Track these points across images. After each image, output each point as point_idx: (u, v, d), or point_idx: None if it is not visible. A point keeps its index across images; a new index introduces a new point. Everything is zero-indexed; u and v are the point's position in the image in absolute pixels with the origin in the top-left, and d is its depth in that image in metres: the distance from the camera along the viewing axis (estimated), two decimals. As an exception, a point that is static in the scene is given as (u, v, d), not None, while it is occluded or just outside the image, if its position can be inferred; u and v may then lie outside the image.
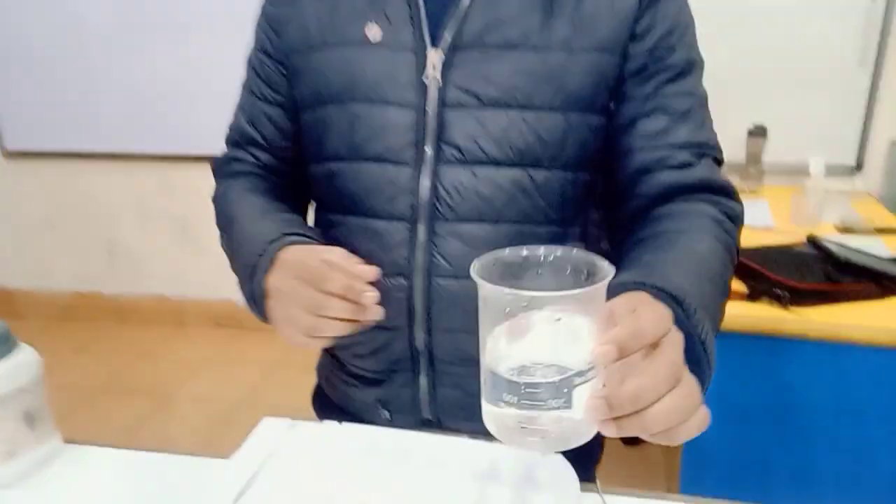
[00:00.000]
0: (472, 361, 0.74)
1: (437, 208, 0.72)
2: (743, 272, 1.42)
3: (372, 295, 0.60)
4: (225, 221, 0.81)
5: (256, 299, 0.69)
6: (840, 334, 1.24)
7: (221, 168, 0.88)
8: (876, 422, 1.27)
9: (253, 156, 0.86)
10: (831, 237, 1.56)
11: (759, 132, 2.08)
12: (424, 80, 0.71)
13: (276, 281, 0.66)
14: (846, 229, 1.75)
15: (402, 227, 0.73)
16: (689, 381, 0.47)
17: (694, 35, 0.76)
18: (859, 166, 2.15)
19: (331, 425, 0.73)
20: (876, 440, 1.29)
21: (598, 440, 0.90)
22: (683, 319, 0.55)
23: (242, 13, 2.31)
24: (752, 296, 1.33)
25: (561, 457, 0.71)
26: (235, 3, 2.39)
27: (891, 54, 2.05)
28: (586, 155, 0.74)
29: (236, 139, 0.87)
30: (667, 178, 0.72)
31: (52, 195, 2.88)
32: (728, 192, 0.74)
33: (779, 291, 1.30)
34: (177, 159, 2.69)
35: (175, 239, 2.85)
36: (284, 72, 0.81)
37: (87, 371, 2.59)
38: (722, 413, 1.33)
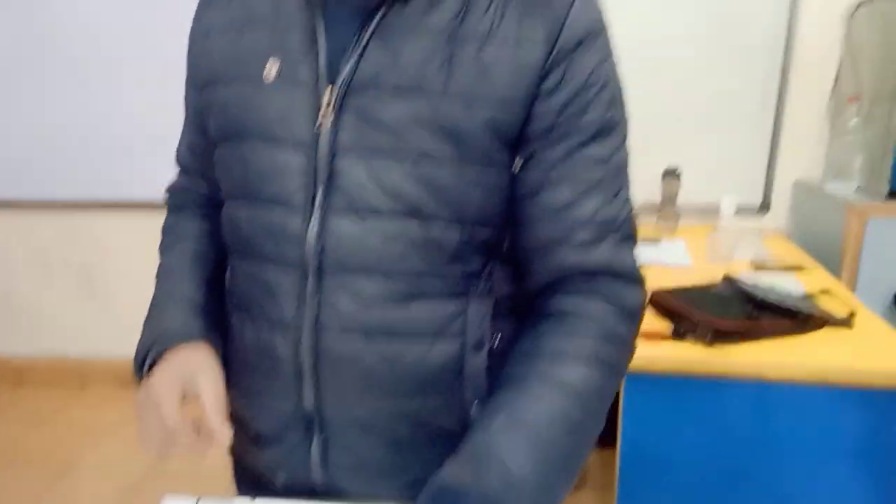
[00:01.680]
0: (365, 425, 0.70)
1: (324, 259, 0.67)
2: (666, 312, 1.43)
3: (222, 438, 0.64)
4: (158, 270, 0.84)
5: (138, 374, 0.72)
6: (762, 373, 1.26)
7: (170, 197, 0.90)
8: (797, 457, 1.29)
9: (194, 184, 0.86)
10: (746, 275, 1.60)
11: (672, 174, 2.15)
12: (319, 118, 0.66)
13: (150, 385, 0.69)
14: (759, 267, 1.81)
15: (292, 277, 0.68)
16: None
17: (616, 93, 0.70)
18: (767, 205, 2.25)
19: (241, 501, 0.66)
20: (798, 476, 1.30)
21: None
22: None
23: (141, 55, 2.28)
24: (677, 335, 1.34)
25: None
26: (133, 44, 2.31)
27: (790, 100, 2.17)
28: (486, 211, 0.69)
29: (180, 165, 0.89)
30: (566, 257, 0.68)
31: (-62, 247, 2.65)
32: (630, 277, 0.70)
33: (702, 331, 1.31)
34: (80, 206, 2.53)
35: (77, 291, 2.66)
36: (201, 104, 0.78)
37: (-24, 440, 2.35)
38: (654, 455, 1.33)
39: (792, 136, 2.20)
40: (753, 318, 1.34)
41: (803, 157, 2.22)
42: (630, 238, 0.71)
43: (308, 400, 0.71)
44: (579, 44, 0.66)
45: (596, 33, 0.68)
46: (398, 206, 0.66)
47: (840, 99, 2.11)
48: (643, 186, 2.19)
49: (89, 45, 2.36)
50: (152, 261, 0.89)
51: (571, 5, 0.66)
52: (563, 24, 0.65)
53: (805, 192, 2.19)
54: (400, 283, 0.67)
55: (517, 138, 0.67)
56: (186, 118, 0.84)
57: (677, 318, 1.37)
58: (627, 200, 0.71)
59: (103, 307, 2.66)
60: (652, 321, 1.43)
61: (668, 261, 1.89)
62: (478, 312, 0.71)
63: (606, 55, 0.69)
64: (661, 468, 1.33)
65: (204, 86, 0.75)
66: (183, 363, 0.70)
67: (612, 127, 0.69)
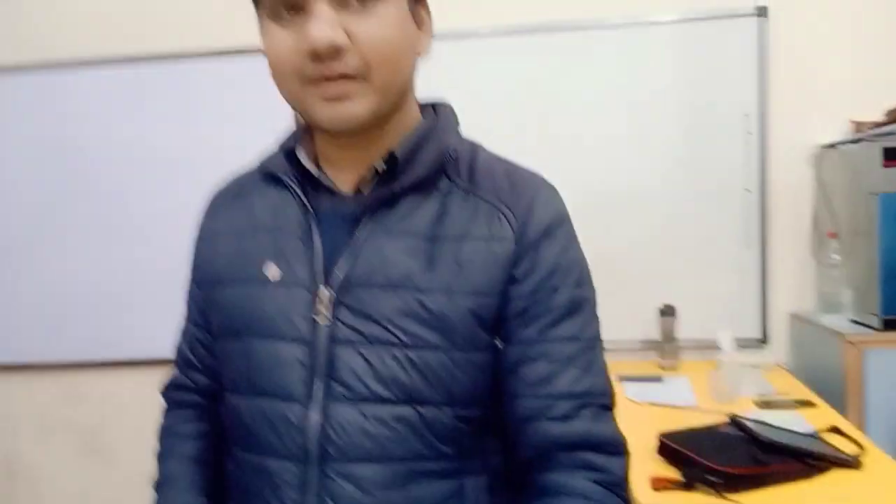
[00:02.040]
0: None
1: (326, 448, 0.70)
2: (676, 458, 1.43)
3: None
4: (156, 480, 0.86)
5: None
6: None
7: (168, 395, 0.92)
8: None
9: (192, 380, 0.89)
10: (752, 414, 1.61)
11: (668, 311, 2.20)
12: (315, 316, 0.72)
13: None
14: (765, 404, 1.81)
15: (294, 467, 0.71)
16: None
17: (582, 274, 0.76)
18: (765, 339, 2.28)
19: None
20: None
21: None
22: None
23: (141, 220, 2.40)
24: (688, 483, 1.33)
25: None
26: (134, 208, 2.44)
27: (771, 237, 2.27)
28: (475, 391, 0.73)
29: (179, 362, 0.91)
30: (547, 429, 0.72)
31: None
32: (611, 448, 0.73)
33: (712, 478, 1.30)
34: (82, 366, 2.55)
35: (80, 453, 2.62)
36: (205, 301, 0.84)
37: None
38: None
39: (780, 271, 2.28)
40: (762, 462, 1.34)
41: (794, 289, 2.28)
42: (607, 408, 0.75)
43: None
44: (543, 235, 0.74)
45: (558, 224, 0.76)
46: (394, 392, 0.70)
47: (820, 234, 2.21)
48: (641, 324, 2.28)
49: (89, 211, 2.47)
50: (152, 419, 0.93)
51: (533, 203, 0.75)
52: (528, 219, 0.74)
53: (801, 325, 2.23)
54: (399, 467, 0.70)
55: (496, 322, 0.74)
56: (188, 315, 0.90)
57: (686, 465, 1.37)
58: (602, 371, 0.76)
59: (106, 468, 2.61)
60: (661, 468, 1.42)
61: (672, 400, 1.89)
62: (474, 489, 0.74)
63: (570, 241, 0.77)
64: None
65: (209, 285, 0.82)
66: None
67: (580, 304, 0.75)
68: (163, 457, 0.87)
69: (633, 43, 2.25)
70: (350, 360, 0.71)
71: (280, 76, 0.71)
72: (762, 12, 2.19)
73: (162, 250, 2.40)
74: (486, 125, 2.20)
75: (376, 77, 0.69)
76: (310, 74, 0.68)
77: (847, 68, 2.21)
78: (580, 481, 0.71)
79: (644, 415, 1.78)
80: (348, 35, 0.66)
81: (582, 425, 0.72)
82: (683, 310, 2.22)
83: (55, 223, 2.49)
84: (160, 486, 0.84)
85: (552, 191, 0.79)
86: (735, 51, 2.21)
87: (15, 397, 2.62)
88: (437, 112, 0.82)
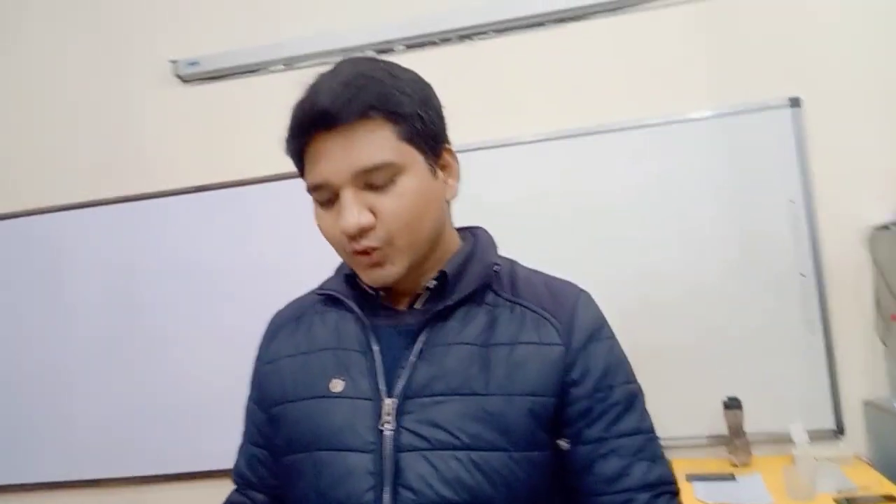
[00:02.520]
0: None
1: None
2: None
3: None
4: None
5: None
6: None
7: None
8: None
9: (250, 498, 0.92)
10: (832, 512, 1.52)
11: (734, 404, 2.13)
12: (380, 426, 0.77)
13: None
14: (847, 501, 1.71)
15: None
16: None
17: (629, 369, 0.84)
18: (841, 429, 2.17)
19: None
20: None
21: None
22: None
23: (215, 333, 2.51)
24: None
25: None
26: (196, 328, 2.54)
27: (834, 321, 2.20)
28: (535, 489, 0.77)
29: (238, 481, 0.95)
30: None
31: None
32: None
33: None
34: (149, 480, 2.60)
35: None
36: (268, 420, 0.88)
37: None
38: None
39: (847, 356, 2.19)
40: (847, 565, 1.26)
41: (865, 374, 2.18)
42: (676, 494, 0.81)
43: None
44: (590, 338, 0.81)
45: (600, 326, 0.83)
46: (459, 494, 0.73)
47: (885, 316, 2.14)
48: (707, 419, 2.20)
49: (153, 332, 2.59)
50: None
51: (574, 309, 0.83)
52: (573, 324, 0.81)
53: (876, 414, 2.12)
54: None
55: (554, 421, 0.78)
56: (247, 435, 0.94)
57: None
58: (664, 458, 0.82)
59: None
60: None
61: (748, 500, 1.80)
62: None
63: (613, 341, 0.84)
64: None
65: (274, 404, 0.87)
66: None
67: (634, 398, 0.82)
68: None
69: (673, 141, 2.31)
70: (416, 465, 0.74)
71: (331, 245, 0.82)
72: (795, 103, 2.23)
73: (220, 368, 2.49)
74: (536, 229, 2.30)
75: (401, 241, 0.78)
76: (349, 247, 0.78)
77: (887, 146, 2.21)
78: None
79: (716, 517, 1.70)
80: (374, 212, 0.76)
81: None
82: (750, 402, 2.14)
83: (121, 344, 2.62)
84: None
85: (589, 297, 0.86)
86: (773, 140, 2.24)
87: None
88: (474, 234, 0.90)
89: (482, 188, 2.27)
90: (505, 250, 0.93)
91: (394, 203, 0.76)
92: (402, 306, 0.85)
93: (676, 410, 2.23)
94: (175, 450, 2.55)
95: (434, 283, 0.82)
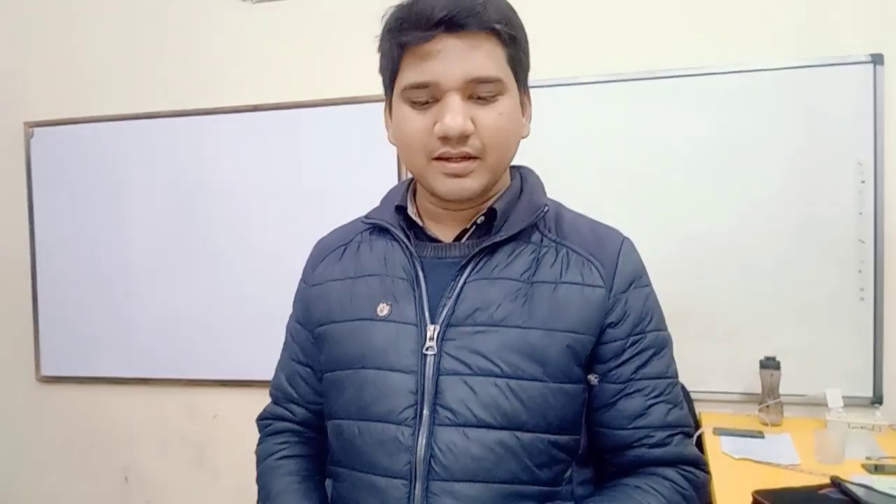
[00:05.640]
0: None
1: (432, 467, 0.78)
2: (770, 518, 1.38)
3: None
4: (261, 491, 0.94)
5: None
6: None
7: (264, 424, 1.01)
8: None
9: (290, 411, 0.97)
10: (859, 478, 1.52)
11: (771, 364, 2.12)
12: (424, 350, 0.81)
13: None
14: (875, 467, 1.71)
15: (401, 484, 0.79)
16: None
17: (661, 317, 0.88)
18: (879, 399, 2.14)
19: None
20: None
21: None
22: None
23: (265, 251, 2.59)
24: (782, 545, 1.28)
25: None
26: (269, 243, 2.63)
27: (887, 291, 2.14)
28: (567, 419, 0.82)
29: (276, 395, 1.00)
30: (643, 454, 0.84)
31: (76, 419, 2.92)
32: (696, 463, 0.86)
33: (808, 542, 1.25)
34: (200, 384, 2.76)
35: (191, 465, 2.83)
36: (313, 340, 0.93)
37: None
38: None
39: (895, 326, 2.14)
40: (864, 529, 1.27)
41: (912, 348, 2.14)
42: (691, 434, 0.88)
43: None
44: (630, 284, 0.85)
45: (640, 274, 0.87)
46: (495, 418, 0.78)
47: (944, 290, 2.07)
48: (742, 377, 2.21)
49: (209, 245, 2.69)
50: (253, 437, 1.01)
51: (619, 255, 0.85)
52: (615, 270, 0.84)
53: (919, 386, 2.08)
54: (498, 488, 0.77)
55: (588, 358, 0.83)
56: (289, 352, 0.99)
57: (781, 526, 1.32)
58: (684, 403, 0.88)
59: (213, 479, 2.79)
60: (754, 527, 1.38)
61: (774, 457, 1.81)
62: None
63: (650, 289, 0.88)
64: None
65: (319, 324, 0.91)
66: None
67: (664, 345, 0.86)
68: (267, 477, 0.93)
69: (740, 92, 2.22)
70: (455, 389, 0.79)
71: (408, 150, 0.82)
72: (878, 60, 2.11)
73: (269, 284, 2.59)
74: (585, 174, 2.27)
75: (490, 158, 0.80)
76: (436, 152, 0.79)
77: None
78: (668, 471, 0.83)
79: (740, 470, 1.72)
80: (473, 122, 0.78)
81: (674, 449, 0.84)
82: (789, 364, 2.12)
83: (177, 254, 2.73)
84: (274, 500, 0.90)
85: (631, 244, 0.89)
86: (849, 98, 2.13)
87: (138, 410, 2.87)
88: (522, 174, 0.92)
89: (533, 126, 2.24)
90: (551, 192, 0.93)
91: (494, 118, 0.79)
92: (449, 240, 0.87)
93: (714, 365, 2.23)
94: (223, 358, 2.69)
95: (482, 218, 0.84)
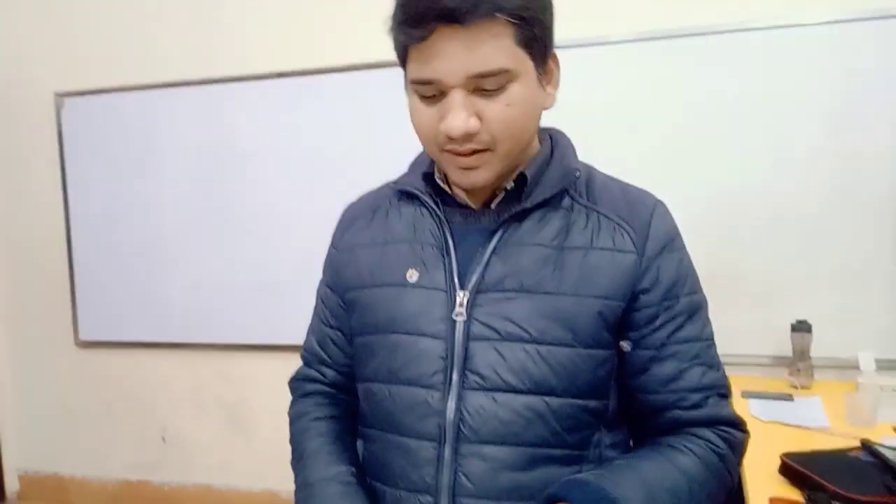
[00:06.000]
0: None
1: (461, 430, 0.79)
2: (798, 480, 1.38)
3: None
4: (295, 451, 0.95)
5: None
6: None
7: (296, 385, 1.02)
8: None
9: (321, 373, 0.99)
10: (889, 441, 1.51)
11: (803, 327, 2.09)
12: (453, 316, 0.81)
13: None
14: (906, 430, 1.69)
15: (430, 446, 0.80)
16: None
17: (696, 281, 0.86)
18: (913, 362, 2.11)
19: None
20: None
21: None
22: None
23: (307, 217, 2.61)
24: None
25: None
26: (302, 207, 2.65)
27: (926, 253, 2.09)
28: (596, 384, 0.82)
29: (308, 358, 1.01)
30: (678, 416, 0.83)
31: (115, 383, 3.02)
32: (732, 423, 0.85)
33: (836, 503, 1.25)
34: (233, 348, 2.82)
35: (225, 428, 2.91)
36: (343, 304, 0.94)
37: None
38: None
39: (934, 289, 2.10)
40: (893, 491, 1.27)
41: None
42: (727, 395, 0.87)
43: None
44: (663, 249, 0.83)
45: (673, 237, 0.85)
46: (523, 382, 0.79)
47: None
48: (774, 339, 2.19)
49: (242, 209, 2.72)
50: (286, 400, 1.03)
51: (651, 219, 0.84)
52: (648, 234, 0.82)
53: (955, 349, 2.04)
54: (526, 451, 0.79)
55: (619, 324, 0.82)
56: (320, 316, 1.00)
57: (809, 488, 1.32)
58: (719, 364, 0.87)
59: (246, 442, 2.87)
60: (782, 488, 1.38)
61: (803, 420, 1.81)
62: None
63: (683, 252, 0.86)
64: None
65: (349, 289, 0.92)
66: None
67: (698, 308, 0.85)
68: (300, 438, 0.95)
69: (776, 45, 2.15)
70: (485, 354, 0.79)
71: (421, 138, 0.82)
72: (922, 11, 2.03)
73: (299, 249, 2.61)
74: (624, 132, 2.23)
75: (501, 148, 0.78)
76: (446, 146, 0.78)
77: None
78: (704, 431, 0.83)
79: (768, 433, 1.71)
80: (480, 116, 0.75)
81: (709, 410, 0.83)
82: (821, 326, 2.10)
83: (210, 220, 2.77)
84: (303, 463, 0.91)
85: (664, 207, 0.87)
86: (888, 54, 2.06)
87: (173, 373, 2.95)
88: (552, 138, 0.90)
89: (562, 88, 2.20)
90: (582, 155, 0.92)
91: (502, 111, 0.76)
92: (478, 206, 0.86)
93: (744, 329, 2.22)
94: (256, 323, 2.74)
95: (512, 184, 0.84)
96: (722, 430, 0.83)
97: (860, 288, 2.14)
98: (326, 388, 0.99)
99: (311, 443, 0.92)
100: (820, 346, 2.10)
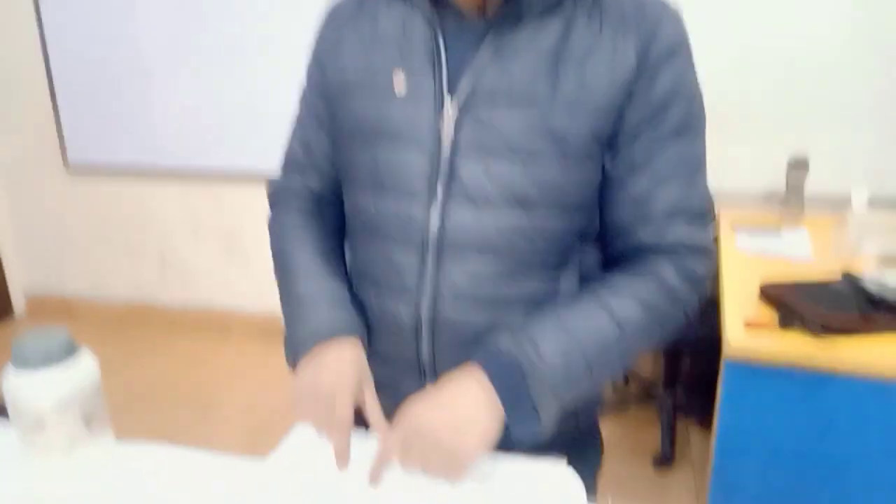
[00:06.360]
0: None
1: (444, 241, 0.79)
2: (775, 304, 1.43)
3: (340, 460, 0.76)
4: (280, 263, 0.92)
5: (292, 364, 0.83)
6: (872, 369, 1.24)
7: (276, 194, 0.97)
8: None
9: (305, 181, 0.94)
10: (870, 272, 1.55)
11: (800, 165, 2.07)
12: (441, 128, 0.77)
13: (309, 375, 0.79)
14: (888, 261, 1.73)
15: (414, 255, 0.80)
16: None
17: (696, 98, 0.79)
18: (905, 199, 2.11)
19: (359, 433, 0.78)
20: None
21: (597, 447, 0.97)
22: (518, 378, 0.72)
23: (297, 39, 2.47)
24: (784, 323, 1.33)
25: (570, 469, 0.75)
26: (291, 28, 2.51)
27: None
28: (582, 201, 0.80)
29: (290, 164, 0.96)
30: (643, 238, 0.79)
31: (111, 209, 3.04)
32: (700, 250, 0.80)
33: (810, 324, 1.30)
34: (229, 178, 2.81)
35: (224, 253, 2.97)
36: (327, 107, 0.89)
37: (137, 377, 2.71)
38: (752, 444, 1.35)
39: (939, 126, 2.05)
40: (867, 314, 1.31)
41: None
42: (702, 217, 0.80)
43: (425, 354, 0.84)
44: (665, 56, 0.76)
45: (679, 46, 0.77)
46: (509, 197, 0.77)
47: None
48: (769, 175, 2.17)
49: (249, 30, 2.59)
50: None
51: (659, 21, 0.76)
52: (652, 40, 0.75)
53: (949, 187, 2.04)
54: (507, 263, 0.79)
55: (611, 138, 0.77)
56: (301, 119, 0.94)
57: (785, 310, 1.37)
58: (703, 188, 0.80)
59: (244, 267, 2.95)
60: (760, 313, 1.43)
61: (787, 252, 1.84)
62: (568, 288, 0.82)
63: (688, 65, 0.79)
64: (754, 455, 1.35)
65: (334, 92, 0.86)
66: (352, 363, 0.79)
67: (690, 125, 0.78)
68: (285, 250, 0.91)
69: None
70: (471, 165, 0.77)
71: None
72: None
73: (289, 76, 2.48)
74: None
75: None
76: None
77: None
78: (662, 265, 0.79)
79: (752, 265, 1.74)
80: None
81: (677, 233, 0.79)
82: (817, 162, 2.07)
83: (196, 46, 2.64)
84: (292, 275, 0.88)
85: (676, 14, 0.79)
86: None
87: (169, 201, 2.96)
88: None
89: None
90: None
91: None
92: (473, 10, 0.79)
93: (740, 163, 2.20)
94: (248, 151, 2.71)
95: None
96: (684, 261, 0.79)
97: (862, 126, 2.10)
98: (311, 199, 0.95)
99: (297, 256, 0.90)
100: (814, 183, 2.09)
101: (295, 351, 0.83)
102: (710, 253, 0.81)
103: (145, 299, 3.14)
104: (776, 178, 2.15)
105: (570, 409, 0.79)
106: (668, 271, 0.79)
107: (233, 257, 2.96)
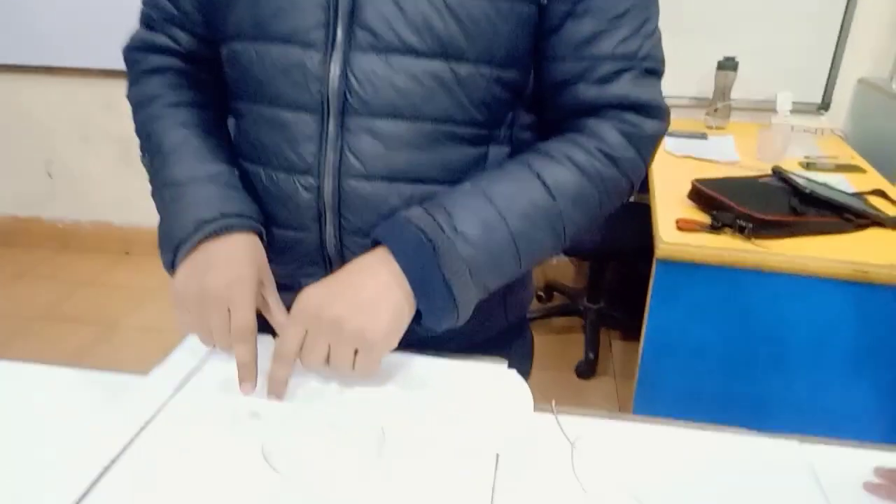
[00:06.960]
0: None
1: (347, 100, 0.64)
2: (706, 203, 1.39)
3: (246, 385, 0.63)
4: (147, 144, 0.75)
5: (171, 263, 0.68)
6: (801, 266, 1.23)
7: (137, 58, 0.77)
8: (833, 352, 1.28)
9: (172, 37, 0.75)
10: (796, 173, 1.54)
11: (729, 65, 2.03)
12: None
13: (196, 276, 0.64)
14: (809, 164, 1.74)
15: (311, 119, 0.65)
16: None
17: None
18: (826, 104, 2.13)
19: (262, 339, 0.66)
20: (833, 371, 1.29)
21: (528, 349, 0.90)
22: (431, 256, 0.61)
23: None
24: (715, 227, 1.30)
25: (516, 374, 0.67)
26: None
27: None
28: (516, 51, 0.66)
29: (152, 16, 0.76)
30: (584, 92, 0.67)
31: (-13, 112, 2.69)
32: (648, 109, 0.67)
33: (741, 223, 1.27)
34: (122, 76, 2.51)
35: (119, 162, 2.71)
36: None
37: (26, 299, 2.48)
38: (680, 342, 1.33)
39: (861, 34, 2.04)
40: (799, 212, 1.29)
41: (871, 53, 2.07)
42: (653, 72, 0.68)
43: (330, 243, 0.70)
44: None
45: None
46: (428, 43, 0.62)
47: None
48: (695, 78, 2.12)
49: None
50: None
51: None
52: None
53: (869, 92, 2.06)
54: (426, 127, 0.65)
55: None
56: None
57: (717, 209, 1.33)
58: (653, 34, 0.68)
59: (144, 179, 2.70)
60: (691, 212, 1.40)
61: (714, 156, 1.82)
62: (497, 158, 0.70)
63: None
64: (681, 355, 1.34)
65: None
66: (249, 258, 0.66)
67: None
68: (155, 127, 0.73)
69: None
70: (378, 4, 0.62)
71: None
72: None
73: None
74: None
75: None
76: None
77: None
78: (604, 127, 0.67)
79: (680, 166, 1.73)
80: None
81: (622, 88, 0.66)
82: (745, 66, 2.04)
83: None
84: (163, 158, 0.72)
85: None
86: None
87: (54, 102, 2.64)
88: None
89: None
90: None
91: None
92: None
93: (669, 68, 2.13)
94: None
95: None
96: (628, 120, 0.67)
97: (788, 26, 2.07)
98: (180, 62, 0.76)
99: (172, 134, 0.72)
100: (742, 88, 2.07)
101: (174, 247, 0.66)
102: (660, 112, 0.69)
103: (32, 212, 2.84)
104: (704, 84, 2.11)
105: (497, 300, 0.70)
106: (608, 131, 0.67)
107: (130, 168, 2.70)
